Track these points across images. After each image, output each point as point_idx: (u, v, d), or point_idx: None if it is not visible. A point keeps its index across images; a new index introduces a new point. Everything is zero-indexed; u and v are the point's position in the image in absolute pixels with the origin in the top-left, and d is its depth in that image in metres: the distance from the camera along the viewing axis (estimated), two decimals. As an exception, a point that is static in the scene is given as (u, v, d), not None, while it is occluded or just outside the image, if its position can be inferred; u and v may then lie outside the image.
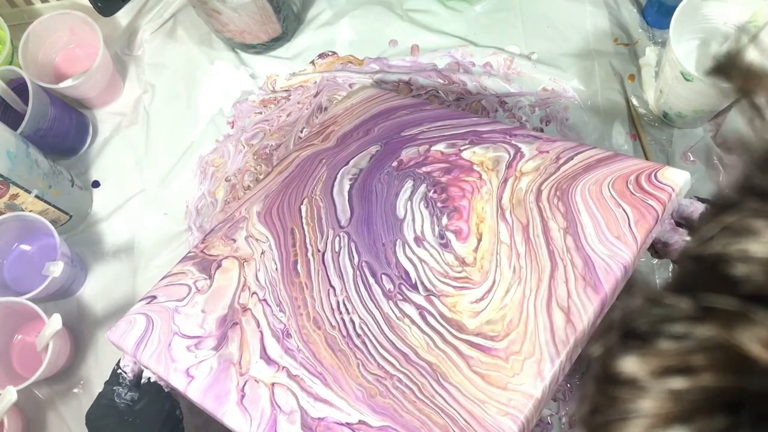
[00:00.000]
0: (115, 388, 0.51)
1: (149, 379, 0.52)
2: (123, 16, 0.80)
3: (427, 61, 0.76)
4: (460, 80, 0.74)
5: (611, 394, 0.19)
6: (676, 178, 0.47)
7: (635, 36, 0.74)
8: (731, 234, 0.19)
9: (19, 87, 0.69)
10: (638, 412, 0.18)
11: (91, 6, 0.69)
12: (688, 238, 0.47)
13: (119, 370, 0.52)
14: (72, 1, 0.79)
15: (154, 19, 0.81)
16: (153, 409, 0.51)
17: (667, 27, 0.61)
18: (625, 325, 0.20)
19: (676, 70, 0.61)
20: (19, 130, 0.65)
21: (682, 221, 0.48)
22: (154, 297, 0.55)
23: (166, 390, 0.52)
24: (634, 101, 0.71)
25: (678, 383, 0.18)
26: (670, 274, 0.50)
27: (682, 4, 0.62)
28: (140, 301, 0.55)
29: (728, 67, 0.21)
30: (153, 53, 0.80)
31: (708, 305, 0.18)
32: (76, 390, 0.68)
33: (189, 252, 0.59)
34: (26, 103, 0.66)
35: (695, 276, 0.21)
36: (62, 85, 0.71)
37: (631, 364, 0.19)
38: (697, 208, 0.47)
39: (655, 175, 0.47)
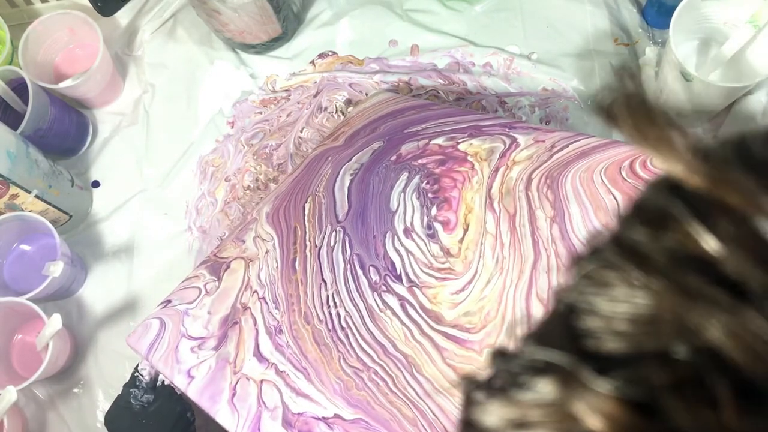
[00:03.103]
0: (131, 390, 0.54)
1: (164, 381, 0.54)
2: (123, 16, 0.80)
3: (427, 61, 0.76)
4: (460, 80, 0.74)
5: None
6: None
7: (635, 36, 0.74)
8: (588, 284, 0.18)
9: (19, 87, 0.69)
10: None
11: (91, 6, 0.69)
12: None
13: (137, 373, 0.54)
14: (72, 1, 0.79)
15: (154, 19, 0.80)
16: (165, 410, 0.53)
17: (667, 27, 0.61)
18: (492, 369, 0.20)
19: (676, 70, 0.61)
20: (19, 130, 0.65)
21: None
22: (169, 301, 0.56)
23: (178, 392, 0.53)
24: (634, 101, 0.71)
25: None
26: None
27: (682, 4, 0.62)
28: (158, 305, 0.56)
29: (600, 104, 0.21)
30: (153, 53, 0.80)
31: (548, 360, 0.18)
32: (76, 390, 0.67)
33: (206, 257, 0.60)
34: (26, 103, 0.66)
35: (551, 324, 0.20)
36: (62, 85, 0.71)
37: (485, 414, 0.18)
38: None
39: (651, 161, 0.46)
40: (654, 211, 0.18)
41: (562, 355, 0.18)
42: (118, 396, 0.54)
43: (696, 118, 0.67)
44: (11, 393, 0.57)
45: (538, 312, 0.42)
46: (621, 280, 0.17)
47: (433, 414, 0.40)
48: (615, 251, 0.18)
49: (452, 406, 0.40)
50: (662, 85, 0.66)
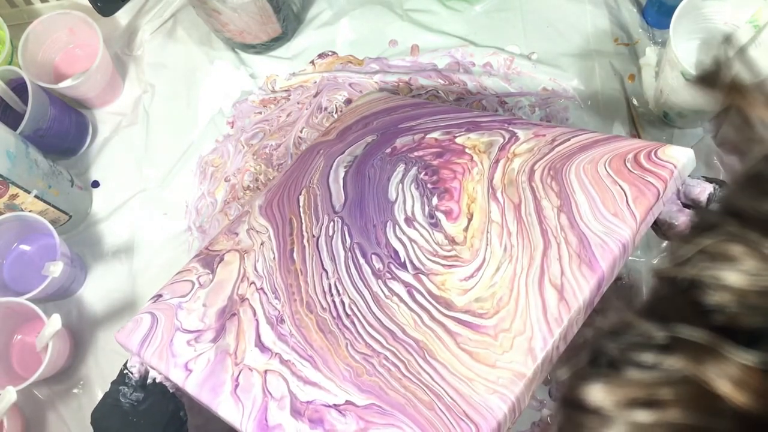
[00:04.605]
0: (120, 387, 0.52)
1: (155, 379, 0.52)
2: (123, 16, 0.80)
3: (427, 61, 0.76)
4: (461, 80, 0.74)
5: (577, 421, 0.18)
6: (678, 155, 0.45)
7: (635, 36, 0.74)
8: (707, 258, 0.18)
9: (19, 87, 0.69)
10: None
11: (90, 6, 0.69)
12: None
13: (126, 371, 0.52)
14: (72, 1, 0.79)
15: (154, 19, 0.80)
16: (157, 409, 0.51)
17: (667, 27, 0.61)
18: (595, 348, 0.19)
19: (676, 70, 0.61)
20: (19, 130, 0.65)
21: (690, 202, 0.46)
22: (161, 295, 0.55)
23: (171, 391, 0.52)
24: (634, 101, 0.71)
25: (643, 416, 0.17)
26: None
27: (682, 4, 0.62)
28: (149, 300, 0.55)
29: (714, 78, 0.20)
30: (153, 53, 0.80)
31: (678, 336, 0.17)
32: (75, 390, 0.67)
33: (197, 251, 0.59)
34: (26, 103, 0.66)
35: (668, 300, 0.19)
36: (62, 85, 0.71)
37: (597, 393, 0.18)
38: (704, 189, 0.45)
39: (655, 153, 0.46)
40: None
41: (694, 330, 0.17)
42: (106, 394, 0.52)
43: (696, 118, 0.67)
44: (11, 393, 0.57)
45: (552, 298, 0.41)
46: (749, 254, 0.17)
47: (451, 398, 0.40)
48: (737, 224, 0.18)
49: (471, 390, 0.40)
50: (662, 85, 0.66)
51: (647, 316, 0.19)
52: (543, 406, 0.62)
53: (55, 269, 0.62)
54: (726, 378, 0.16)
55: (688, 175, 0.47)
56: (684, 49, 0.67)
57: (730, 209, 0.19)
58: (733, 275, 0.17)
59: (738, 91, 0.19)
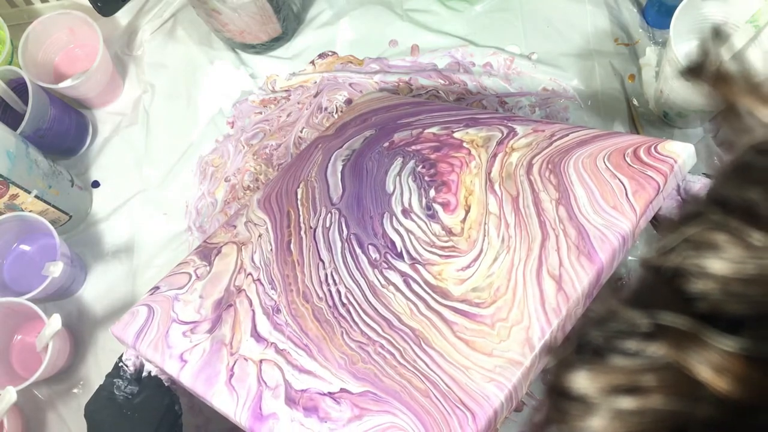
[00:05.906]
0: (115, 380, 0.51)
1: (150, 372, 0.52)
2: (123, 16, 0.80)
3: (427, 61, 0.76)
4: (461, 80, 0.74)
5: (562, 408, 0.18)
6: (679, 150, 0.45)
7: (635, 36, 0.74)
8: (691, 247, 0.18)
9: (19, 87, 0.69)
10: (587, 430, 0.17)
11: (91, 6, 0.69)
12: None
13: (121, 363, 0.52)
14: (72, 1, 0.79)
15: (154, 19, 0.81)
16: (152, 403, 0.51)
17: (668, 27, 0.61)
18: (580, 336, 0.19)
19: (676, 70, 0.61)
20: (19, 130, 0.65)
21: (689, 199, 0.46)
22: (158, 288, 0.55)
23: (166, 384, 0.52)
24: (635, 101, 0.71)
25: (626, 403, 0.17)
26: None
27: (682, 4, 0.62)
28: (146, 293, 0.56)
29: (700, 68, 0.20)
30: (153, 53, 0.80)
31: (661, 323, 0.17)
32: (76, 390, 0.67)
33: (197, 246, 0.60)
34: (26, 103, 0.66)
35: (653, 289, 0.20)
36: (62, 85, 0.71)
37: (581, 380, 0.18)
38: (705, 185, 0.45)
39: (655, 148, 0.46)
40: (764, 171, 0.18)
41: (677, 317, 0.17)
42: (100, 387, 0.52)
43: (696, 118, 0.67)
44: (11, 393, 0.57)
45: (550, 288, 0.41)
46: (732, 242, 0.17)
47: (446, 385, 0.40)
48: (721, 213, 0.18)
49: (467, 378, 0.39)
50: (662, 85, 0.66)
51: (632, 304, 0.19)
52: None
53: (55, 269, 0.62)
54: (707, 364, 0.16)
55: (689, 172, 0.47)
56: (684, 49, 0.67)
57: (715, 198, 0.19)
58: (717, 263, 0.17)
59: (723, 81, 0.19)
